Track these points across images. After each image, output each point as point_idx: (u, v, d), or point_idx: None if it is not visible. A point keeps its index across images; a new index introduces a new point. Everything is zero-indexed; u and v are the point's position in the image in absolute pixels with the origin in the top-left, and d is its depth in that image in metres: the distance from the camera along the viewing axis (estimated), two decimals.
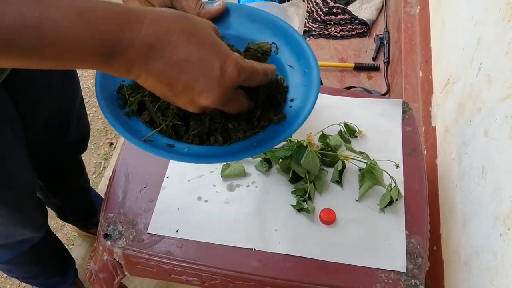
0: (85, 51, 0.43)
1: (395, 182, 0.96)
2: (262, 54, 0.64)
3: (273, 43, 0.69)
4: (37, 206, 1.04)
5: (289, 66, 0.67)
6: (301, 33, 0.94)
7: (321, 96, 1.13)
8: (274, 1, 1.21)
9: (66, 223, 1.64)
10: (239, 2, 1.65)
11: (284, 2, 1.04)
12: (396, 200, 0.94)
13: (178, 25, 0.47)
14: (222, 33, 0.64)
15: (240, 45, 0.66)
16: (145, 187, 0.96)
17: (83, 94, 1.13)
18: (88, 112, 1.98)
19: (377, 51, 2.12)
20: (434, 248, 1.17)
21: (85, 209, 1.50)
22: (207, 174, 0.98)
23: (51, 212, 1.59)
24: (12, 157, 0.87)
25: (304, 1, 1.02)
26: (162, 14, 0.47)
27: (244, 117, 0.63)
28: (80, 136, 1.19)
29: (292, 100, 0.65)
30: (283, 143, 0.98)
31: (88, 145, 1.83)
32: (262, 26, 0.69)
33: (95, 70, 0.52)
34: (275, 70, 0.60)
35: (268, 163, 0.99)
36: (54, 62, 0.44)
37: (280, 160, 0.96)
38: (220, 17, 0.69)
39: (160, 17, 0.47)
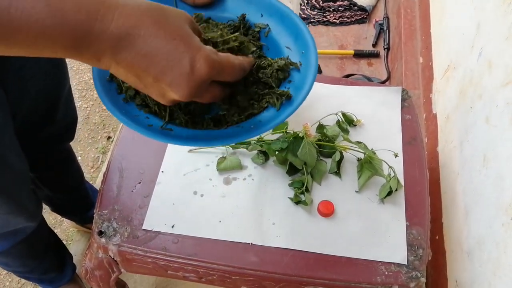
0: (54, 40, 0.44)
1: (394, 172, 0.94)
2: (239, 47, 0.63)
3: (266, 24, 0.68)
4: (30, 194, 1.03)
5: (287, 47, 0.67)
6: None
7: (318, 86, 1.11)
8: None
9: (64, 219, 1.63)
10: None
11: None
12: (396, 190, 0.92)
13: (148, 18, 0.47)
14: (218, 16, 0.66)
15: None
16: (139, 182, 0.94)
17: (80, 88, 1.12)
18: (85, 105, 1.97)
19: (377, 37, 2.08)
20: (437, 237, 1.15)
21: (80, 202, 1.49)
22: (202, 167, 0.96)
23: (47, 209, 1.59)
24: (4, 143, 0.86)
25: None
26: (133, 6, 0.47)
27: (236, 102, 0.62)
28: (67, 124, 1.18)
29: (290, 81, 0.65)
30: (279, 134, 0.96)
31: (85, 139, 1.83)
32: (258, 8, 0.69)
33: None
34: (252, 62, 0.59)
35: (264, 155, 0.97)
36: (27, 49, 0.44)
37: (277, 152, 0.94)
38: (216, 1, 0.69)
39: (131, 9, 0.46)
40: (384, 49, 2.02)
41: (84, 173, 1.47)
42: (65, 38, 0.44)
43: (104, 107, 1.97)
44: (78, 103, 1.97)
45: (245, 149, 0.97)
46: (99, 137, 1.90)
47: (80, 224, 1.58)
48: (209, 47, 0.51)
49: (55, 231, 1.60)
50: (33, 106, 1.00)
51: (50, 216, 1.58)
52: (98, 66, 0.48)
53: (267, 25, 0.69)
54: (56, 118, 1.10)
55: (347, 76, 1.87)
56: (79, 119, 1.61)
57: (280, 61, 0.65)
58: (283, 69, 0.65)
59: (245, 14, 0.69)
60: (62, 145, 1.27)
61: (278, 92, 0.63)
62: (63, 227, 1.64)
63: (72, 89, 1.96)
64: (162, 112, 0.61)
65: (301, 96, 0.61)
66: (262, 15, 0.69)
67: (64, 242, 1.44)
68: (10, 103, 0.88)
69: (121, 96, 0.62)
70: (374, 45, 2.07)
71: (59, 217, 1.66)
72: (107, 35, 0.45)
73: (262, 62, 0.65)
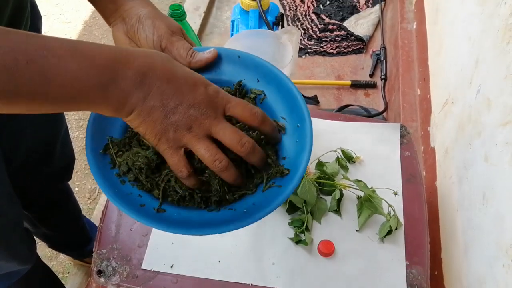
0: (81, 85, 0.46)
1: (394, 211, 0.94)
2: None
3: (262, 91, 0.66)
4: (23, 239, 1.01)
5: (282, 118, 0.64)
6: (295, 59, 0.92)
7: (317, 121, 1.11)
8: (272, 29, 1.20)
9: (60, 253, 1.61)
10: (233, 33, 1.65)
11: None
12: (396, 229, 0.92)
13: (161, 58, 0.52)
14: (215, 79, 0.62)
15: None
16: (138, 221, 0.93)
17: (77, 117, 1.12)
18: (82, 135, 1.96)
19: (374, 67, 2.10)
20: (436, 273, 1.15)
21: (77, 238, 1.47)
22: None
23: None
24: None
25: (296, 23, 1.00)
26: (147, 51, 0.52)
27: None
28: (64, 165, 1.18)
29: (284, 158, 0.61)
30: None
31: (82, 170, 1.82)
32: (255, 73, 0.67)
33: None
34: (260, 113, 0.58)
35: None
36: (54, 103, 0.46)
37: None
38: (212, 63, 0.67)
39: (146, 52, 0.52)
40: (381, 80, 2.03)
41: (81, 205, 1.46)
42: (92, 82, 0.46)
43: None
44: (75, 133, 1.96)
45: None
46: None
47: (78, 258, 1.56)
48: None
49: (51, 264, 1.58)
50: (30, 152, 0.99)
51: (46, 249, 1.57)
52: (122, 110, 0.50)
53: (263, 91, 0.66)
54: (53, 160, 1.09)
55: (345, 106, 1.88)
56: (76, 150, 1.61)
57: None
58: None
59: (241, 81, 0.67)
60: (59, 185, 1.27)
61: (276, 168, 0.60)
62: (59, 260, 1.62)
63: (69, 119, 1.97)
64: (155, 190, 0.60)
65: (296, 178, 0.58)
66: (258, 80, 0.66)
67: (61, 275, 1.43)
68: (4, 150, 0.87)
69: (114, 171, 0.60)
70: (371, 76, 2.09)
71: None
72: (131, 73, 0.49)
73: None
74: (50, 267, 1.48)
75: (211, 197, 0.59)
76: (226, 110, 0.55)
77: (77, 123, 2.00)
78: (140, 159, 0.59)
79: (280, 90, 0.65)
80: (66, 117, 1.16)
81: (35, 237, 1.28)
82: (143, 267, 0.87)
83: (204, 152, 0.53)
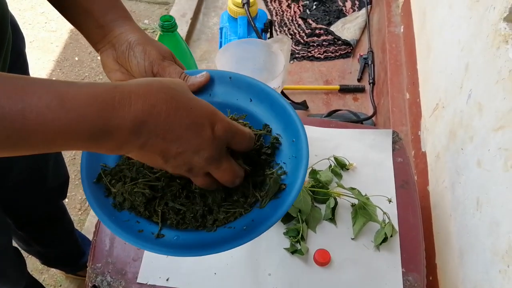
0: (72, 137, 0.42)
1: (388, 218, 0.93)
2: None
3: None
4: (13, 263, 1.00)
5: (277, 134, 0.64)
6: (287, 68, 0.92)
7: (308, 129, 1.11)
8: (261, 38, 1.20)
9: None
10: (222, 41, 1.64)
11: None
12: (391, 236, 0.92)
13: (163, 96, 0.47)
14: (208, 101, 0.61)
15: (225, 112, 0.65)
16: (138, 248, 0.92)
17: None
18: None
19: (362, 71, 2.11)
20: (430, 278, 1.15)
21: (70, 253, 1.45)
22: None
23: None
24: None
25: (283, 28, 1.00)
26: (146, 86, 0.46)
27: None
28: (58, 184, 1.16)
29: (283, 173, 0.61)
30: None
31: (72, 180, 1.80)
32: (248, 93, 0.66)
33: None
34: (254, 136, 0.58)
35: None
36: (44, 148, 0.43)
37: None
38: (205, 86, 0.67)
39: (144, 90, 0.46)
40: (370, 84, 2.04)
41: (72, 216, 1.43)
42: (84, 133, 0.43)
43: None
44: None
45: None
46: None
47: (70, 273, 1.54)
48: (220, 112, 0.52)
49: (43, 277, 1.56)
50: (22, 171, 0.98)
51: (37, 262, 1.54)
52: (118, 153, 0.48)
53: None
54: (46, 180, 1.08)
55: (333, 111, 1.88)
56: (66, 159, 1.58)
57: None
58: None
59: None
60: (54, 204, 1.25)
61: (274, 180, 0.59)
62: (50, 273, 1.59)
63: None
64: (153, 216, 0.59)
65: (294, 192, 0.58)
66: (251, 100, 0.66)
67: None
68: None
69: (109, 200, 0.60)
70: (359, 80, 2.09)
71: None
72: (127, 122, 0.44)
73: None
74: (41, 280, 1.47)
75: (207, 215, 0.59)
76: (229, 145, 0.54)
77: None
78: (136, 196, 0.59)
79: (273, 108, 0.65)
80: None
81: (28, 253, 1.27)
82: (138, 281, 0.86)
83: (201, 185, 0.55)
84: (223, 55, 0.96)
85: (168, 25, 0.88)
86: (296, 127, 0.62)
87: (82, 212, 1.74)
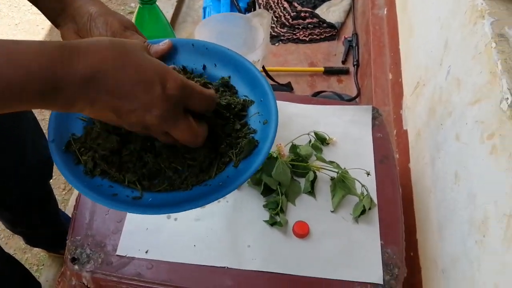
0: (23, 95, 0.43)
1: (367, 191, 0.94)
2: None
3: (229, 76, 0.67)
4: None
5: (245, 96, 0.65)
6: (267, 43, 0.92)
7: (290, 105, 1.11)
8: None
9: None
10: (205, 14, 1.63)
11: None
12: (369, 209, 0.93)
13: (112, 52, 0.47)
14: None
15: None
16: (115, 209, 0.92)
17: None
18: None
19: (346, 54, 2.11)
20: (411, 254, 1.16)
21: (54, 234, 1.45)
22: None
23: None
24: None
25: (268, 11, 1.00)
26: (96, 43, 0.47)
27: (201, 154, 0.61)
28: (41, 164, 1.15)
29: (254, 131, 0.63)
30: None
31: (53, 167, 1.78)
32: (212, 59, 0.68)
33: None
34: (217, 97, 0.59)
35: None
36: None
37: None
38: (169, 54, 0.67)
39: (95, 47, 0.47)
40: (354, 66, 2.05)
41: (56, 196, 1.43)
42: (33, 90, 0.43)
43: None
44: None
45: None
46: None
47: (53, 251, 1.55)
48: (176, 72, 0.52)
49: (26, 256, 1.56)
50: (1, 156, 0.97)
51: (20, 241, 1.54)
52: (72, 111, 0.48)
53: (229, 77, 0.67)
54: (26, 159, 1.07)
55: (318, 93, 1.88)
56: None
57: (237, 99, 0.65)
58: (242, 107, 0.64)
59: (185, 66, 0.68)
60: (39, 185, 1.24)
61: (247, 139, 0.61)
62: (33, 252, 1.59)
63: (41, 111, 1.93)
64: (126, 179, 0.59)
65: (267, 145, 0.60)
66: (215, 65, 0.68)
67: (35, 268, 1.41)
68: None
69: (79, 167, 0.60)
70: (343, 62, 2.10)
71: None
72: (76, 78, 0.45)
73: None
74: (24, 260, 1.47)
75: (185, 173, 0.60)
76: (187, 105, 0.54)
77: (49, 113, 1.96)
78: (101, 149, 0.59)
79: (239, 71, 0.66)
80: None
81: (12, 233, 1.27)
82: (117, 253, 0.86)
83: (163, 142, 0.56)
84: (203, 30, 0.95)
85: None
86: (263, 87, 0.64)
87: (66, 192, 1.74)
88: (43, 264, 1.57)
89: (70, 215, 1.50)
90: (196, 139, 0.56)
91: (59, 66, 0.44)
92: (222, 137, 0.62)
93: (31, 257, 1.58)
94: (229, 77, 0.67)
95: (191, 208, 0.55)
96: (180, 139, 0.55)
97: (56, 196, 1.42)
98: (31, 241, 1.46)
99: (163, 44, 0.66)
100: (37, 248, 1.59)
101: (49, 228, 1.42)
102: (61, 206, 1.57)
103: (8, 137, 1.00)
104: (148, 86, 0.49)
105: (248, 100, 0.65)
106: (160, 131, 0.53)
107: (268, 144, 0.59)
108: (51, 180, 1.67)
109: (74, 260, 0.86)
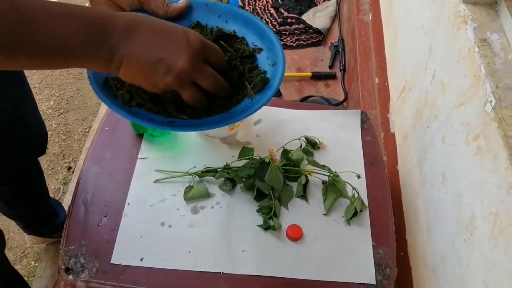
0: (76, 41, 0.53)
1: (358, 193, 0.96)
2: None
3: (233, 30, 0.77)
4: None
5: (254, 45, 0.76)
6: None
7: (280, 111, 1.13)
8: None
9: (26, 237, 1.60)
10: None
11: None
12: (361, 211, 0.95)
13: (142, 16, 0.59)
14: (189, 27, 0.74)
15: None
16: (105, 216, 0.93)
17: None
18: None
19: (333, 59, 2.14)
20: (401, 254, 1.18)
21: (46, 215, 1.51)
22: (169, 198, 0.95)
23: (8, 244, 1.54)
24: None
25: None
26: (129, 15, 0.58)
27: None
28: (37, 137, 1.19)
29: (264, 72, 0.73)
30: (245, 161, 0.97)
31: (46, 170, 1.79)
32: (224, 16, 0.78)
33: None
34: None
35: (231, 182, 0.98)
36: (50, 60, 0.53)
37: (244, 178, 0.95)
38: (184, 13, 0.77)
39: (127, 13, 0.58)
40: (340, 71, 2.07)
41: None
42: (89, 40, 0.53)
43: (63, 137, 1.94)
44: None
45: (212, 177, 0.98)
46: (59, 168, 1.86)
47: (48, 236, 1.58)
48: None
49: (16, 267, 1.55)
50: None
51: (9, 253, 1.53)
52: (110, 67, 0.57)
53: (234, 31, 0.77)
54: (23, 130, 1.10)
55: (306, 98, 1.90)
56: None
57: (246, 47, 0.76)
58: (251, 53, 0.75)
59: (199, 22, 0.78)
60: (35, 159, 1.30)
61: (259, 77, 0.71)
62: (23, 263, 1.59)
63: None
64: (157, 109, 0.68)
65: (277, 81, 0.70)
66: (227, 22, 0.78)
67: (26, 279, 1.40)
68: None
69: (118, 100, 0.68)
70: (330, 67, 2.13)
71: (19, 252, 1.62)
72: (119, 28, 0.55)
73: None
74: None
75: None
76: (206, 58, 0.62)
77: None
78: (141, 94, 0.68)
79: (247, 25, 0.77)
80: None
81: (10, 218, 1.40)
82: (112, 261, 0.87)
83: (190, 98, 0.63)
84: None
85: None
86: (270, 37, 0.75)
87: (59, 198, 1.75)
88: (33, 275, 1.56)
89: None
90: (220, 85, 0.65)
91: (107, 21, 0.55)
92: (237, 80, 0.72)
93: (21, 269, 1.57)
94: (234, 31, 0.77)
95: (219, 127, 0.67)
96: (206, 85, 0.63)
97: None
98: (27, 225, 1.51)
99: (181, 2, 0.75)
100: (27, 240, 1.61)
101: (41, 208, 1.47)
102: None
103: (8, 105, 1.03)
104: (174, 37, 0.59)
105: (257, 48, 0.76)
106: (188, 82, 0.61)
107: (278, 80, 0.70)
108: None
109: (68, 270, 0.86)
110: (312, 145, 1.05)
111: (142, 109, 0.67)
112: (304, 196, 0.97)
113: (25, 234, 1.58)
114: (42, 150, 1.25)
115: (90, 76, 0.68)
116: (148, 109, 0.67)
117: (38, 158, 1.33)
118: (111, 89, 0.68)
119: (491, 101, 0.81)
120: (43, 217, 1.51)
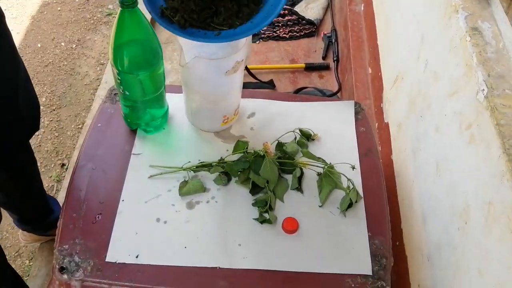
0: None
1: (353, 184, 0.96)
2: None
3: None
4: None
5: None
6: (249, 42, 0.94)
7: (274, 103, 1.13)
8: None
9: (20, 235, 1.59)
10: None
11: None
12: (356, 202, 0.95)
13: None
14: None
15: None
16: (100, 213, 0.92)
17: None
18: (36, 133, 1.91)
19: (326, 50, 2.14)
20: (397, 243, 1.19)
21: (41, 210, 1.50)
22: (164, 193, 0.95)
23: (2, 243, 1.54)
24: None
25: None
26: None
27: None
28: (31, 111, 1.17)
29: None
30: (240, 155, 0.97)
31: (39, 167, 1.78)
32: None
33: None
34: None
35: (226, 176, 0.97)
36: None
37: (239, 172, 0.95)
38: None
39: None
40: (334, 61, 2.07)
41: None
42: None
43: (56, 134, 1.93)
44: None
45: (207, 172, 0.98)
46: (52, 165, 1.85)
47: (42, 233, 1.56)
48: None
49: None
50: None
51: (4, 251, 1.53)
52: None
53: None
54: (17, 106, 1.08)
55: (300, 89, 1.90)
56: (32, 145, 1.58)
57: None
58: None
59: None
60: (29, 135, 1.26)
61: None
62: (17, 263, 1.59)
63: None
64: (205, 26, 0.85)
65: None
66: None
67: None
68: None
69: (174, 25, 0.85)
70: (324, 58, 2.12)
71: (13, 252, 1.62)
72: None
73: None
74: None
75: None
76: None
77: None
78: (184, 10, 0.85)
79: None
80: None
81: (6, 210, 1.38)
82: (107, 260, 0.86)
83: None
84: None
85: (128, 1, 0.88)
86: None
87: (54, 194, 1.74)
88: (28, 275, 1.56)
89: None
90: None
91: None
92: None
93: (16, 268, 1.55)
94: None
95: (258, 30, 0.84)
96: None
97: None
98: (22, 219, 1.49)
99: None
100: (21, 239, 1.60)
101: (36, 202, 1.46)
102: None
103: (4, 78, 1.02)
104: None
105: None
106: None
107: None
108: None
109: (62, 269, 0.85)
110: (306, 137, 1.05)
111: (194, 29, 0.83)
112: (299, 188, 0.97)
113: (19, 230, 1.56)
114: (36, 126, 1.23)
115: (150, 11, 0.84)
116: (199, 27, 0.83)
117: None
118: (167, 18, 0.85)
119: (483, 89, 0.81)
120: (39, 209, 1.49)
